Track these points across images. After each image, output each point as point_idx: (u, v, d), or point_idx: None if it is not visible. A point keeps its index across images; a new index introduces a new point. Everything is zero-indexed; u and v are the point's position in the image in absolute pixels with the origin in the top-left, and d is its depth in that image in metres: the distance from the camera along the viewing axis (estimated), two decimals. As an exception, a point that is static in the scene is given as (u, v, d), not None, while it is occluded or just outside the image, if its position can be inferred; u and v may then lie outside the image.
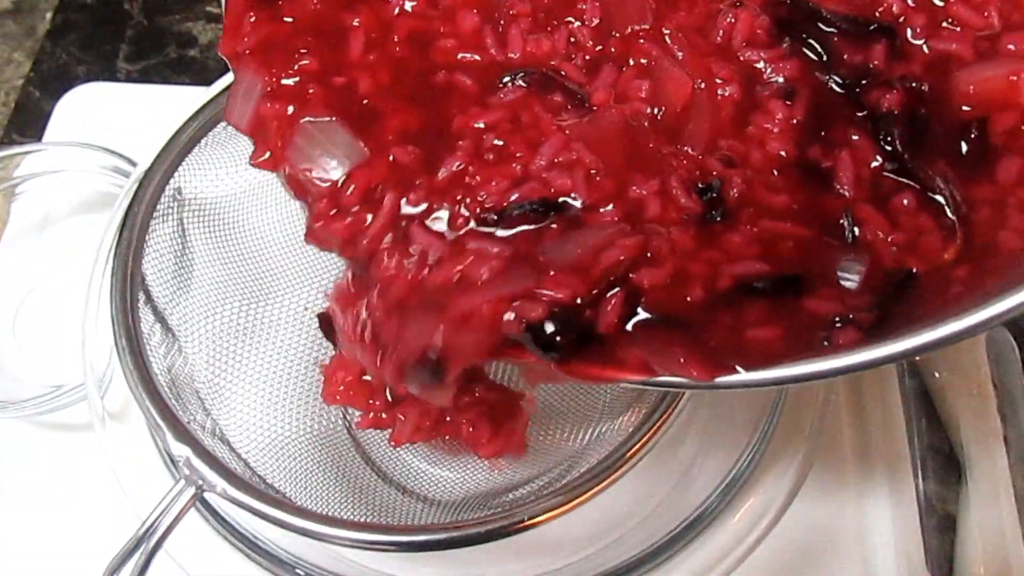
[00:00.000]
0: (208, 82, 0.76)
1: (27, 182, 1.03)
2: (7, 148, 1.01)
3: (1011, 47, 0.52)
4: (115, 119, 1.07)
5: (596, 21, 0.55)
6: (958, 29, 0.53)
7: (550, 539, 0.79)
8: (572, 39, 0.55)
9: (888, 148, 0.50)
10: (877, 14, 0.54)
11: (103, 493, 0.81)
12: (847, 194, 0.50)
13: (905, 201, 0.49)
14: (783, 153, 0.52)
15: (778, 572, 0.81)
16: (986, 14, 0.52)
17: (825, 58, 0.53)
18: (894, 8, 0.54)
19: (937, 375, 0.87)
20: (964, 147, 0.51)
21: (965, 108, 0.52)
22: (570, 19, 0.56)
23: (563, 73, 0.55)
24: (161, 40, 1.20)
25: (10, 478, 0.89)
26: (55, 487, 0.88)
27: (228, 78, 0.76)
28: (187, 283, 0.75)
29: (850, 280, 0.48)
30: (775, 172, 0.52)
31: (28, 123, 1.14)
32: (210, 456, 0.60)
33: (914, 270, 0.48)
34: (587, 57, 0.55)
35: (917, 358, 0.88)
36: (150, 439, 0.73)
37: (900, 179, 0.50)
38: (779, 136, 0.52)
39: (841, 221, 0.49)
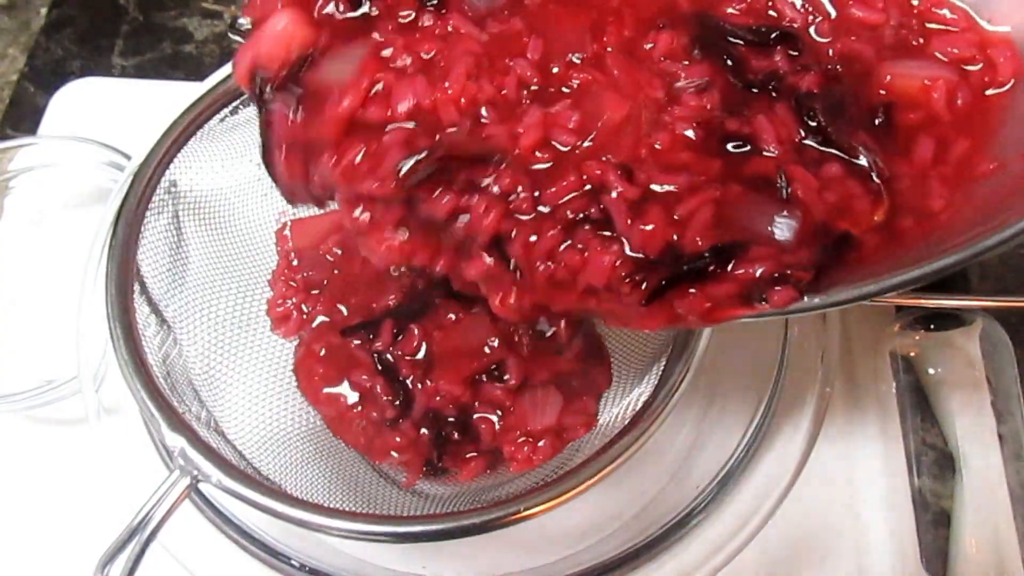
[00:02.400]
0: (204, 78, 0.76)
1: (21, 176, 1.03)
2: (0, 142, 1.01)
3: (938, 55, 0.56)
4: (110, 114, 1.07)
5: (538, 55, 0.55)
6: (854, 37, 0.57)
7: (547, 532, 0.79)
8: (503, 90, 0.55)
9: (812, 123, 0.53)
10: (784, 23, 0.57)
11: (95, 488, 0.81)
12: (774, 152, 0.52)
13: (832, 170, 0.52)
14: (690, 134, 0.53)
15: (773, 566, 0.82)
16: (875, 11, 0.57)
17: (734, 65, 0.55)
18: (796, 23, 0.57)
19: (932, 371, 0.87)
20: (876, 123, 0.54)
21: (881, 92, 0.56)
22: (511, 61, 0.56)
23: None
24: (156, 36, 1.19)
25: (1, 472, 0.89)
26: (47, 481, 0.87)
27: (222, 72, 0.77)
28: (182, 275, 0.75)
29: (784, 234, 0.50)
30: (686, 150, 0.53)
31: (22, 118, 1.14)
32: (205, 446, 0.60)
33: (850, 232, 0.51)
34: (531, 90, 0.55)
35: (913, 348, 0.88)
36: (145, 433, 0.73)
37: (824, 149, 0.53)
38: (687, 118, 0.53)
39: (775, 179, 0.51)
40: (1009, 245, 0.45)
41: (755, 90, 0.55)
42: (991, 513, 0.80)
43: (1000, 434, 0.83)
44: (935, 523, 0.82)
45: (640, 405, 0.68)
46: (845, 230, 0.51)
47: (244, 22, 0.68)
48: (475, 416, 0.77)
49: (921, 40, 0.57)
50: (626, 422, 0.66)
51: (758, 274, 0.50)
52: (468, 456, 0.77)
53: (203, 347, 0.75)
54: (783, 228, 0.50)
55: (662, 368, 0.70)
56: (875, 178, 0.52)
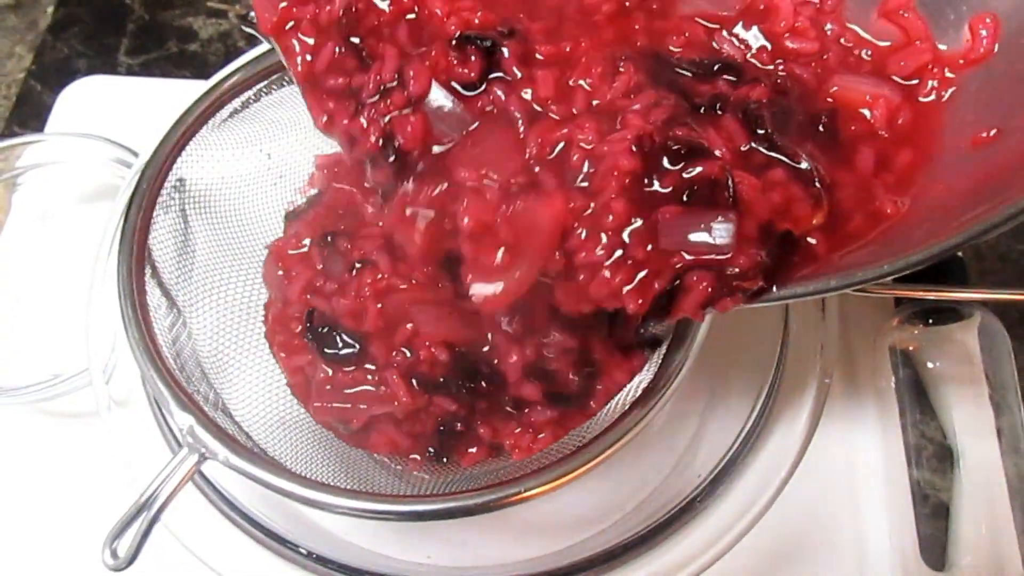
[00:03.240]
0: (209, 76, 0.77)
1: (28, 173, 1.04)
2: (8, 139, 1.02)
3: (895, 78, 0.60)
4: (116, 112, 1.08)
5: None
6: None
7: (549, 521, 0.80)
8: None
9: (760, 131, 0.56)
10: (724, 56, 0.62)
11: (104, 477, 0.81)
12: (720, 156, 0.55)
13: (777, 174, 0.55)
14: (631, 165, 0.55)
15: (774, 557, 0.82)
16: (808, 42, 0.62)
17: (681, 92, 0.58)
18: (737, 57, 0.61)
19: (931, 365, 0.87)
20: (820, 129, 0.58)
21: (828, 100, 0.59)
22: None
23: None
24: (162, 34, 1.21)
25: (7, 463, 0.90)
26: (55, 471, 0.88)
27: (230, 67, 0.78)
28: (191, 262, 0.76)
29: (723, 238, 0.52)
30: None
31: (29, 116, 1.15)
32: (214, 424, 0.61)
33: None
34: None
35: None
36: (154, 425, 0.74)
37: (770, 154, 0.55)
38: (625, 147, 0.55)
39: (721, 182, 0.53)
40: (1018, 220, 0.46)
41: (702, 110, 0.57)
42: (989, 505, 0.81)
43: (998, 427, 0.84)
44: (934, 515, 0.82)
45: (640, 392, 0.68)
46: (786, 230, 0.54)
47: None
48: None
49: (868, 54, 0.61)
50: (626, 408, 0.67)
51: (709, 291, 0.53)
52: (470, 451, 0.78)
53: (212, 331, 0.76)
54: (722, 233, 0.52)
55: (662, 356, 0.71)
56: (817, 184, 0.55)
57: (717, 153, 0.54)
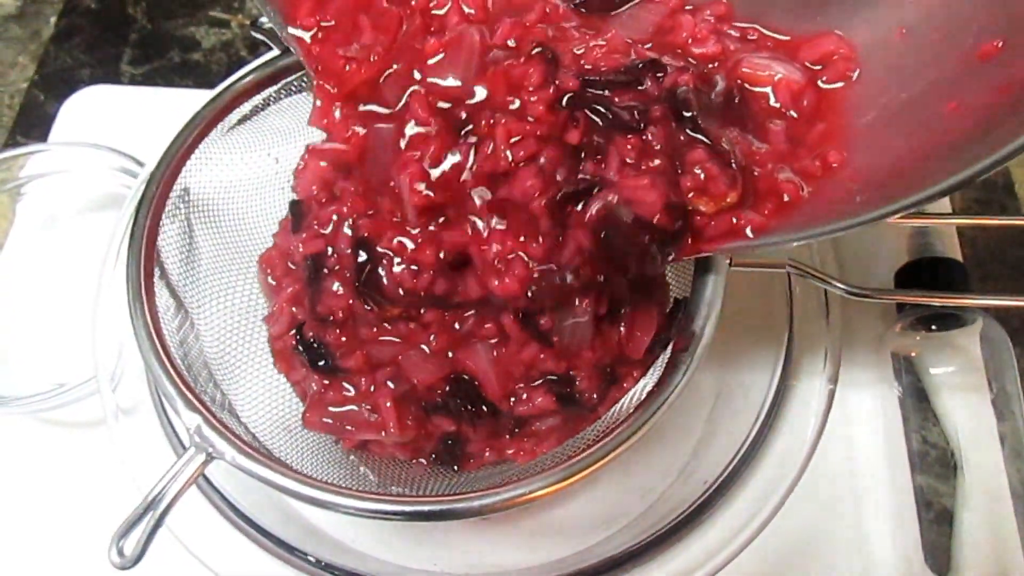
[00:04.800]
0: (212, 86, 0.77)
1: (32, 182, 1.04)
2: (12, 149, 1.02)
3: (807, 63, 0.65)
4: (119, 121, 1.09)
5: None
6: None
7: (556, 528, 0.81)
8: None
9: (686, 114, 0.61)
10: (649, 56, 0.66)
11: (107, 487, 0.81)
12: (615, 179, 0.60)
13: (698, 155, 0.60)
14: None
15: (777, 565, 0.82)
16: (710, 46, 0.66)
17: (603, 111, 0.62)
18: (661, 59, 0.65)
19: (933, 371, 0.88)
20: (735, 102, 0.63)
21: (738, 80, 0.64)
22: None
23: None
24: (165, 44, 1.21)
25: (12, 472, 0.90)
26: (58, 480, 0.88)
27: (236, 75, 0.78)
28: (198, 264, 0.76)
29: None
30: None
31: (33, 125, 1.15)
32: (221, 424, 0.61)
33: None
34: None
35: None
36: (160, 432, 0.75)
37: (694, 135, 0.60)
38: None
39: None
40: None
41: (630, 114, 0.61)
42: (992, 511, 0.81)
43: (1001, 433, 0.84)
44: (937, 521, 0.82)
45: (645, 396, 0.68)
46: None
47: (265, 21, 0.70)
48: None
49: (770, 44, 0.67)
50: (631, 411, 0.67)
51: None
52: (471, 460, 0.78)
53: (219, 333, 0.76)
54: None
55: (666, 360, 0.71)
56: (734, 164, 0.60)
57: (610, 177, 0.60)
